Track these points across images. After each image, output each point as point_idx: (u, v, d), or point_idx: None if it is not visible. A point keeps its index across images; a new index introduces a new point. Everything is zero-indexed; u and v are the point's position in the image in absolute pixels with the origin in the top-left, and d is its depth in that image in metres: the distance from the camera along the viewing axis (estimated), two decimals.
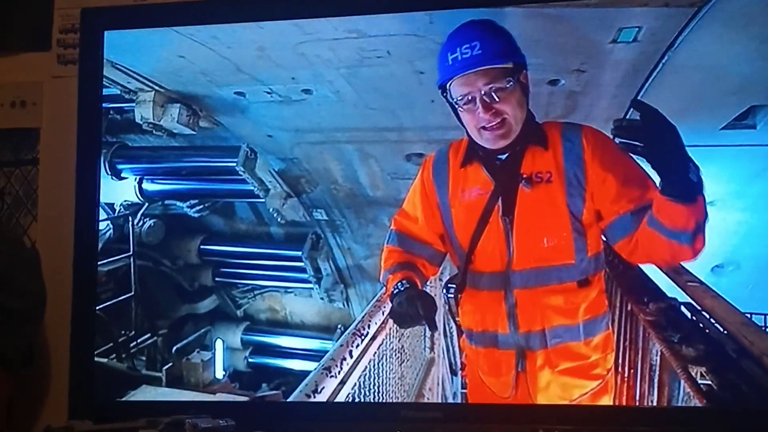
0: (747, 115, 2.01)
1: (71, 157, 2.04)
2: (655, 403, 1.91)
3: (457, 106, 1.76)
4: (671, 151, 1.46)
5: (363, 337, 1.61)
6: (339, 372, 1.46)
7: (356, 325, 1.65)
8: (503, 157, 1.77)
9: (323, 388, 1.41)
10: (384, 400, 1.87)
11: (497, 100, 1.69)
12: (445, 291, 1.92)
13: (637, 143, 1.45)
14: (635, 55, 1.95)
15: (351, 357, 1.53)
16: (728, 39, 1.86)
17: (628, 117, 1.66)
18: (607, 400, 1.86)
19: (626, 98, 2.05)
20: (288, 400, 1.32)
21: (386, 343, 1.86)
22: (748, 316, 1.68)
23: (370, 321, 1.67)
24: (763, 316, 1.70)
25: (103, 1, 2.14)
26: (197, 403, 1.91)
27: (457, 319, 1.93)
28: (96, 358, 2.44)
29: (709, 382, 1.55)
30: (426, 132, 2.47)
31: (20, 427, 2.02)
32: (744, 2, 1.80)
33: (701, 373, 1.57)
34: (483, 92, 1.69)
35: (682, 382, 1.66)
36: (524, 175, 1.75)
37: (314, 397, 1.34)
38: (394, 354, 1.93)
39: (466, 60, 1.69)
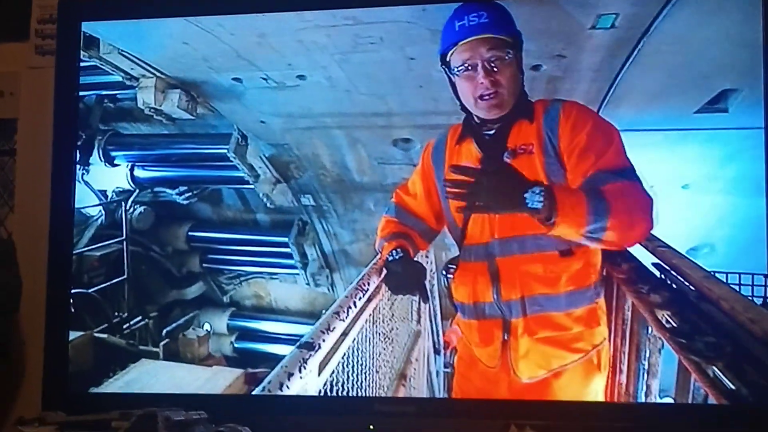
0: (719, 99, 2.09)
1: (48, 147, 2.05)
2: (627, 354, 1.99)
3: (456, 75, 1.84)
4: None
5: (364, 293, 1.71)
6: (346, 317, 1.56)
7: (358, 282, 1.75)
8: (492, 132, 1.86)
9: (334, 327, 1.50)
10: (377, 361, 1.94)
11: (496, 69, 1.79)
12: (444, 272, 2.00)
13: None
14: (613, 40, 2.02)
15: (355, 306, 1.63)
16: (699, 24, 1.94)
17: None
18: (599, 380, 1.90)
19: (605, 83, 2.13)
20: (306, 334, 1.40)
21: (380, 307, 1.96)
22: (711, 272, 1.80)
23: (369, 280, 1.77)
24: (724, 275, 1.82)
25: None
26: (170, 396, 1.95)
27: (449, 298, 2.01)
28: (96, 334, 2.50)
29: (673, 324, 1.67)
30: (413, 117, 2.52)
31: None
32: None
33: (666, 316, 1.69)
34: (485, 59, 1.79)
35: (650, 327, 1.77)
36: (509, 148, 1.82)
37: (327, 333, 1.43)
38: (385, 319, 2.03)
39: (473, 27, 1.79)
